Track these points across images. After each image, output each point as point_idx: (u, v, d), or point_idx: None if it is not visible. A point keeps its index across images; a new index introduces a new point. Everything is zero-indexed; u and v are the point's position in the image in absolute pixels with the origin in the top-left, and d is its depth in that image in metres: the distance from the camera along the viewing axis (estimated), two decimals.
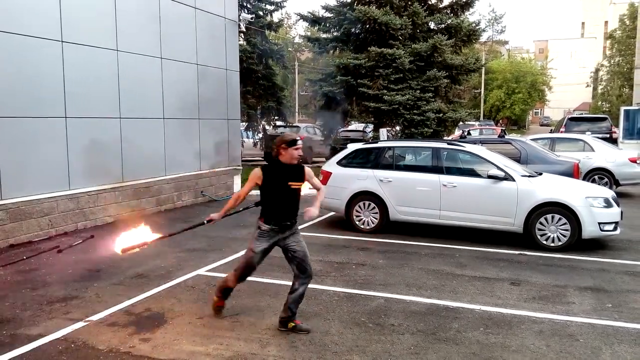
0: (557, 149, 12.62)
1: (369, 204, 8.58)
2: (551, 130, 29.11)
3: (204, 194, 11.79)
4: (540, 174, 8.27)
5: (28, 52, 7.77)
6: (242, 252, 7.20)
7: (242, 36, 18.16)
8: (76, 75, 8.51)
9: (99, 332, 4.51)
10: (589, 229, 7.29)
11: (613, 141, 18.27)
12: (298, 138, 4.41)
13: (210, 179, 12.09)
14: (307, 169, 4.53)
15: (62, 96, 8.31)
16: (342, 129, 21.83)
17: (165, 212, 10.52)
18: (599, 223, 7.29)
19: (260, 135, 22.00)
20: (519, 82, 51.94)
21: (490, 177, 7.76)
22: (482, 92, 52.08)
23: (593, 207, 7.32)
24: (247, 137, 21.69)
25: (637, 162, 12.52)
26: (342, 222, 8.85)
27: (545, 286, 5.84)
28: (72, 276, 6.13)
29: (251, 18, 17.00)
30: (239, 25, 13.24)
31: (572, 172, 9.82)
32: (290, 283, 4.59)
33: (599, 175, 12.44)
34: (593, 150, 12.81)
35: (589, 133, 16.24)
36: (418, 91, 16.82)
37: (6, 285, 5.82)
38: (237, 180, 13.13)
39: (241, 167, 13.47)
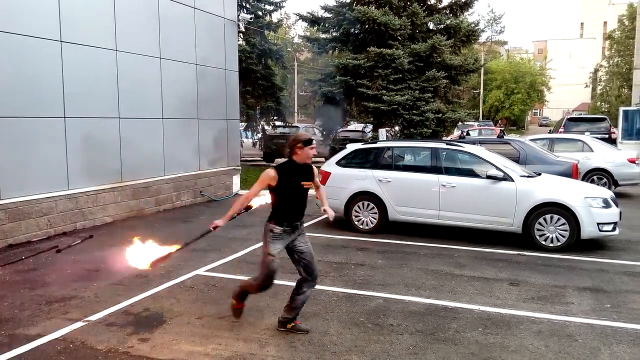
0: (556, 150, 12.63)
1: (368, 204, 8.59)
2: (550, 130, 29.14)
3: (203, 194, 11.79)
4: (539, 174, 8.28)
5: (27, 52, 7.76)
6: (242, 252, 7.25)
7: (241, 36, 18.15)
8: (75, 75, 8.50)
9: (97, 332, 4.50)
10: (588, 230, 7.29)
11: (612, 142, 18.26)
12: (312, 137, 4.39)
13: (210, 179, 12.09)
14: (315, 168, 4.52)
15: (61, 96, 8.30)
16: (341, 129, 21.85)
17: (164, 212, 10.52)
18: (598, 223, 7.30)
19: (260, 135, 22.00)
20: (518, 82, 52.02)
21: (489, 177, 7.76)
22: (481, 93, 52.15)
23: (592, 207, 7.33)
24: (246, 137, 21.69)
25: (636, 162, 12.53)
26: (341, 222, 8.85)
27: (544, 286, 5.84)
28: (71, 276, 6.12)
29: (250, 18, 16.99)
30: (238, 25, 13.24)
31: (571, 172, 9.83)
32: (290, 283, 4.58)
33: (598, 175, 12.45)
34: (592, 151, 12.81)
35: (588, 133, 16.26)
36: (417, 91, 16.83)
37: (5, 285, 5.82)
38: (237, 180, 13.13)
39: (240, 167, 13.46)
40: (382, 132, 15.97)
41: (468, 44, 19.81)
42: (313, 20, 19.62)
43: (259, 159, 22.10)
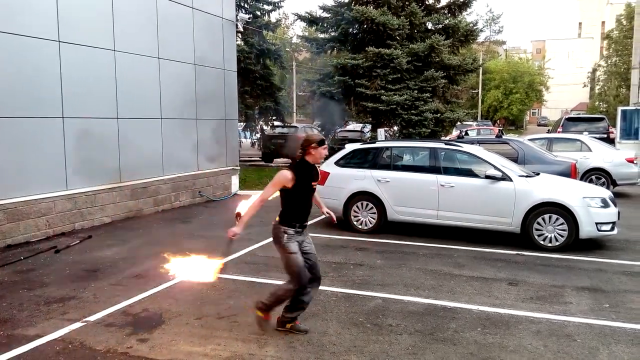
0: (554, 149, 12.64)
1: (367, 204, 8.59)
2: (548, 130, 29.17)
3: (201, 194, 11.78)
4: (538, 174, 8.28)
5: (25, 52, 7.74)
6: (242, 252, 7.25)
7: (240, 36, 18.17)
8: (74, 75, 8.49)
9: (96, 333, 4.50)
10: (587, 229, 7.30)
11: (610, 141, 18.28)
12: (324, 137, 4.40)
13: (208, 179, 12.08)
14: (317, 168, 4.53)
15: (59, 96, 8.29)
16: (340, 129, 21.88)
17: (163, 212, 10.51)
18: (596, 223, 7.31)
19: (258, 135, 22.00)
20: (517, 82, 52.06)
21: (487, 177, 7.77)
22: (480, 92, 52.20)
23: (590, 207, 7.33)
24: (245, 137, 21.68)
25: (634, 162, 12.55)
26: (340, 222, 8.85)
27: (542, 286, 5.85)
28: (70, 276, 6.12)
29: (249, 18, 16.97)
30: (237, 25, 13.24)
31: (570, 172, 9.85)
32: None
33: (597, 175, 12.47)
34: (590, 151, 12.83)
35: (587, 133, 16.30)
36: (416, 91, 16.86)
37: (3, 285, 5.81)
38: (235, 180, 13.12)
39: (239, 167, 13.46)
40: (381, 132, 15.99)
41: (466, 43, 19.84)
42: (311, 20, 19.63)
43: (258, 159, 22.08)
